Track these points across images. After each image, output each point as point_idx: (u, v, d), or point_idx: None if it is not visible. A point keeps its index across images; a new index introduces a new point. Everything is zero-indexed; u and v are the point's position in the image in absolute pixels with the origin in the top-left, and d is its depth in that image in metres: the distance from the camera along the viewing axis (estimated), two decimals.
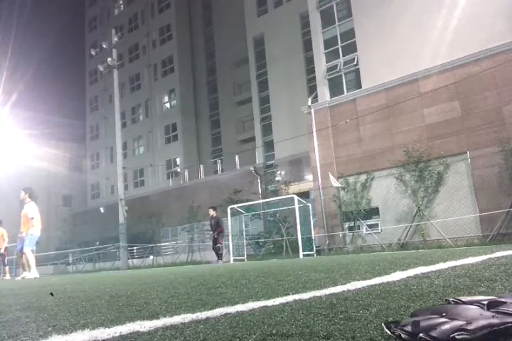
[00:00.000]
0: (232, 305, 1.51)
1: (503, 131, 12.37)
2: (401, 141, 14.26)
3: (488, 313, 0.87)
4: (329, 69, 18.57)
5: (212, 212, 13.19)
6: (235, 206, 16.67)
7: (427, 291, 1.58)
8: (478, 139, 12.83)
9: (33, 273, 8.24)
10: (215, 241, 13.03)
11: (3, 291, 3.72)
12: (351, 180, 15.09)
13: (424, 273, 2.24)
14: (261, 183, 22.99)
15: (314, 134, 16.50)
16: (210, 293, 2.00)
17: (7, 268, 12.42)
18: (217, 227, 13.04)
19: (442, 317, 0.89)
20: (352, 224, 15.10)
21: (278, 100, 25.81)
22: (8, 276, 11.93)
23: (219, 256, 12.89)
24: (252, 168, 24.23)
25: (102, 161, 40.17)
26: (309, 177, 19.45)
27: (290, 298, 1.63)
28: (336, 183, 14.97)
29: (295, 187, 20.54)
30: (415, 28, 15.62)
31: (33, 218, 8.76)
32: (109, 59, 20.36)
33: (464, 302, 1.01)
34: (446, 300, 1.11)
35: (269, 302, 1.52)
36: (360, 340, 0.94)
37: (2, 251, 12.03)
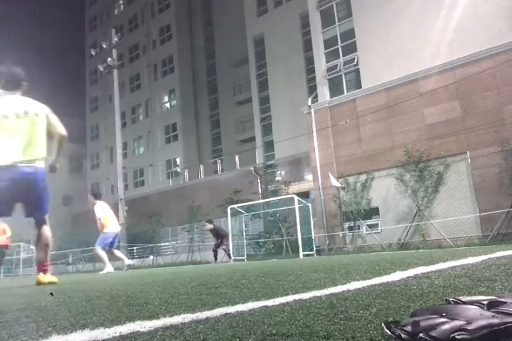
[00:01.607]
0: (232, 305, 1.51)
1: (503, 131, 12.37)
2: (401, 141, 14.27)
3: (488, 313, 0.87)
4: (329, 69, 18.57)
5: (209, 226, 13.89)
6: (235, 206, 16.66)
7: (427, 291, 1.58)
8: (478, 139, 12.83)
9: (106, 269, 8.59)
10: (218, 245, 13.77)
11: (3, 291, 3.73)
12: (351, 180, 15.08)
13: (424, 273, 2.24)
14: (261, 183, 22.98)
15: (314, 134, 16.50)
16: (210, 293, 2.00)
17: None
18: (219, 236, 13.84)
19: (442, 317, 0.89)
20: (352, 224, 15.10)
21: (278, 100, 25.81)
22: None
23: (228, 255, 13.84)
24: (252, 168, 24.23)
25: (102, 161, 40.17)
26: (309, 177, 19.45)
27: (290, 298, 1.63)
28: (336, 183, 14.97)
29: (295, 187, 20.54)
30: (415, 28, 15.62)
31: (100, 218, 8.84)
32: (109, 59, 20.39)
33: (464, 302, 1.01)
34: (446, 300, 1.11)
35: (269, 302, 1.52)
36: (360, 340, 0.94)
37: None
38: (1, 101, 4.12)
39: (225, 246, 13.70)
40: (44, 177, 4.10)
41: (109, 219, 9.03)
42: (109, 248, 8.95)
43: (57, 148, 4.29)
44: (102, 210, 9.01)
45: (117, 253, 9.33)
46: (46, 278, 4.11)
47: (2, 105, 4.05)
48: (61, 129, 4.28)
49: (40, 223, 4.15)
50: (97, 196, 9.19)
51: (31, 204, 4.09)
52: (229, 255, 13.87)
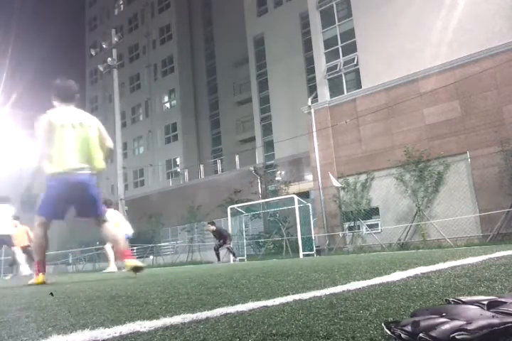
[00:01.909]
0: (232, 305, 1.51)
1: (503, 131, 12.37)
2: (401, 141, 14.27)
3: (488, 313, 0.87)
4: (329, 69, 18.58)
5: (211, 227, 13.86)
6: (235, 206, 16.67)
7: (427, 291, 1.58)
8: (478, 139, 12.83)
9: (110, 268, 8.96)
10: (220, 245, 13.74)
11: (3, 291, 3.72)
12: (351, 180, 15.09)
13: (424, 273, 2.24)
14: (261, 183, 22.98)
15: (314, 134, 16.50)
16: (210, 293, 2.00)
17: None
18: (221, 237, 13.82)
19: (442, 317, 0.89)
20: (352, 224, 15.10)
21: (278, 100, 25.81)
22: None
23: (233, 254, 14.06)
24: (252, 168, 24.23)
25: None
26: (309, 177, 19.45)
27: (290, 298, 1.63)
28: (336, 183, 14.98)
29: (295, 187, 20.54)
30: (415, 28, 15.63)
31: None
32: (109, 59, 20.38)
33: (464, 302, 1.01)
34: (446, 300, 1.11)
35: (269, 302, 1.52)
36: (360, 340, 0.94)
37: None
38: (58, 112, 4.39)
39: (228, 245, 13.71)
40: (95, 181, 4.54)
41: (119, 225, 9.39)
42: None
43: (103, 158, 4.72)
44: (113, 218, 9.31)
45: None
46: (135, 262, 4.36)
47: (60, 116, 4.34)
48: (110, 142, 4.68)
49: (101, 222, 4.51)
50: (108, 204, 9.45)
51: (89, 207, 4.48)
52: (233, 253, 14.01)
